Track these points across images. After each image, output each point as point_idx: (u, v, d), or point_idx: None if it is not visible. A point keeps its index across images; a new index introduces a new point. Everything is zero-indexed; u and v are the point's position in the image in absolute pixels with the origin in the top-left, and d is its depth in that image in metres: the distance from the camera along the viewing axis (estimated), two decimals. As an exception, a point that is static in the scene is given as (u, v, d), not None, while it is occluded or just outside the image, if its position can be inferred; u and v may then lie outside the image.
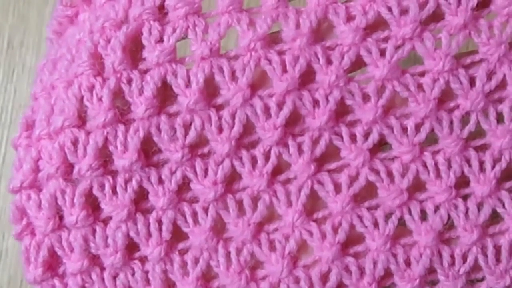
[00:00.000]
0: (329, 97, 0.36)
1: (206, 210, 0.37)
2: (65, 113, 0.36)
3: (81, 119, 0.36)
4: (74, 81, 0.36)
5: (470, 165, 0.37)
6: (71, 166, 0.36)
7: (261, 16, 0.36)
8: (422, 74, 0.37)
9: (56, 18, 0.40)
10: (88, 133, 0.36)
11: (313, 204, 0.37)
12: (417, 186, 0.37)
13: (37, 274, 0.36)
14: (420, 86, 0.37)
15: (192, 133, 0.36)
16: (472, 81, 0.37)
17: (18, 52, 0.52)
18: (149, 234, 0.37)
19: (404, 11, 0.36)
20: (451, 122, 0.37)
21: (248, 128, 0.37)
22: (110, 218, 0.37)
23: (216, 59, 0.36)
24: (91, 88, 0.36)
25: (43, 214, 0.36)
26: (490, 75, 0.36)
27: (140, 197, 0.37)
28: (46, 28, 0.50)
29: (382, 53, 0.36)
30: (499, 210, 0.37)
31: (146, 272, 0.37)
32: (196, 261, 0.37)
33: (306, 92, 0.36)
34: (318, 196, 0.37)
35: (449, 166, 0.37)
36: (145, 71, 0.36)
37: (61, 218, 0.36)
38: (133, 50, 0.37)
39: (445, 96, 0.37)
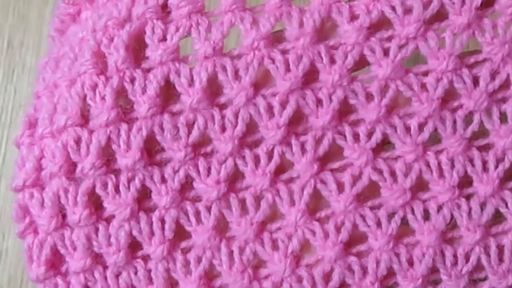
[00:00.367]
0: (333, 97, 0.36)
1: (209, 209, 0.37)
2: (68, 111, 0.36)
3: (84, 118, 0.36)
4: (77, 80, 0.36)
5: (473, 165, 0.37)
6: (74, 165, 0.36)
7: (264, 15, 0.36)
8: (426, 73, 0.37)
9: (58, 16, 0.40)
10: (91, 132, 0.36)
11: (316, 204, 0.37)
12: (420, 185, 0.37)
13: (39, 273, 0.36)
14: (423, 86, 0.37)
15: (195, 132, 0.36)
16: (475, 81, 0.37)
17: (18, 52, 0.52)
18: (152, 233, 0.37)
19: (408, 11, 0.36)
20: (455, 122, 0.37)
21: (251, 127, 0.37)
22: (113, 216, 0.37)
23: (219, 58, 0.36)
24: (94, 87, 0.36)
25: (46, 213, 0.36)
26: (493, 75, 0.36)
27: (143, 196, 0.37)
28: (46, 27, 0.50)
29: (386, 52, 0.36)
30: (502, 210, 0.37)
31: (149, 271, 0.37)
32: (198, 260, 0.37)
33: (309, 91, 0.36)
34: (321, 196, 0.37)
35: (452, 166, 0.37)
36: (148, 70, 0.36)
37: (64, 216, 0.36)
38: (136, 49, 0.37)
39: (449, 95, 0.37)
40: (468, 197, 0.37)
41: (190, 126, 0.36)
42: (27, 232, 0.37)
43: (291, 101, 0.36)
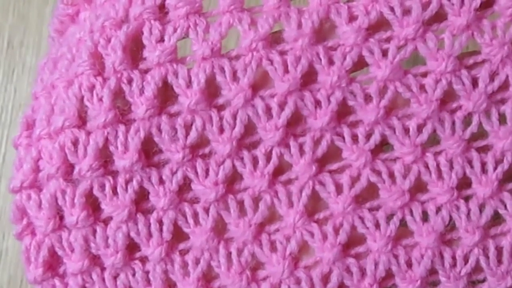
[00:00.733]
0: (331, 98, 0.36)
1: (207, 210, 0.37)
2: (66, 113, 0.36)
3: (82, 119, 0.36)
4: (75, 81, 0.36)
5: (472, 166, 0.37)
6: (71, 166, 0.36)
7: (263, 16, 0.36)
8: (425, 74, 0.37)
9: (57, 17, 0.40)
10: (88, 133, 0.36)
11: (314, 205, 0.37)
12: (419, 187, 0.37)
13: (37, 274, 0.36)
14: (422, 87, 0.36)
15: (193, 134, 0.36)
16: (474, 82, 0.37)
17: (18, 52, 0.52)
18: (150, 235, 0.37)
19: (406, 12, 0.36)
20: (453, 123, 0.37)
21: (249, 128, 0.37)
22: (111, 218, 0.36)
23: (218, 59, 0.36)
24: (92, 88, 0.36)
25: (44, 214, 0.36)
26: (492, 76, 0.36)
27: (141, 198, 0.37)
28: (46, 28, 0.50)
29: (384, 53, 0.36)
30: (501, 211, 0.37)
31: (147, 273, 0.37)
32: (197, 261, 0.37)
33: (307, 92, 0.36)
34: (320, 197, 0.37)
35: (451, 167, 0.37)
36: (146, 71, 0.36)
37: (61, 218, 0.36)
38: (134, 50, 0.37)
39: (448, 97, 0.37)
40: (467, 199, 0.37)
41: (188, 127, 0.36)
42: (24, 233, 0.37)
43: (289, 103, 0.36)
